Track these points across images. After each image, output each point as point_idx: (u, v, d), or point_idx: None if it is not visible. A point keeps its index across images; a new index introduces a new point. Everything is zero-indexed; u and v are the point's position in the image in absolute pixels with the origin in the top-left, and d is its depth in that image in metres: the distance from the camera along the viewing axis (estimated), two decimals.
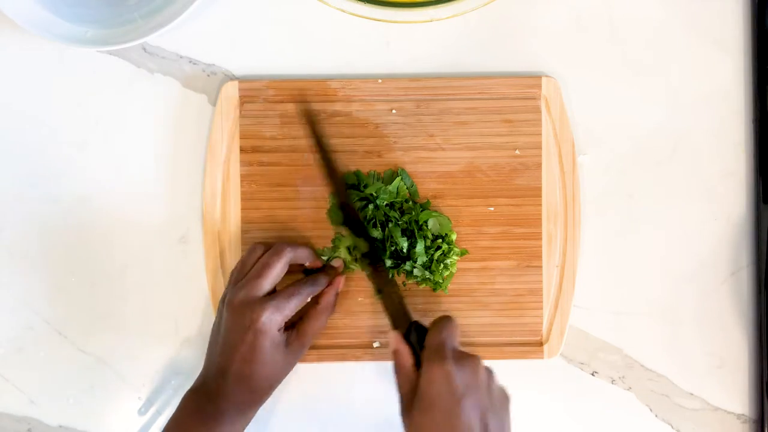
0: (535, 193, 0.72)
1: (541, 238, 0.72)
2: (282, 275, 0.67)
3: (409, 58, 0.73)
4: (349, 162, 0.72)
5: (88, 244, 0.73)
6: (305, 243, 0.71)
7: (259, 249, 0.68)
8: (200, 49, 0.73)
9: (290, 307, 0.65)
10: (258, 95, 0.72)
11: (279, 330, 0.65)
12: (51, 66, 0.73)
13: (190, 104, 0.73)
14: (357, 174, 0.72)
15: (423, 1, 0.70)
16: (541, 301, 0.72)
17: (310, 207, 0.72)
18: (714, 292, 0.74)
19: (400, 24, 0.70)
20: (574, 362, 0.73)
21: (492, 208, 0.72)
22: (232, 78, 0.73)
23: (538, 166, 0.72)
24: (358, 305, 0.72)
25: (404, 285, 0.72)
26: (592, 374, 0.73)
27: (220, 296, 0.68)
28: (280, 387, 0.67)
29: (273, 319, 0.64)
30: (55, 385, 0.73)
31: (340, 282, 0.70)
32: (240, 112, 0.72)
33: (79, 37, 0.71)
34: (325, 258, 0.71)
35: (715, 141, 0.74)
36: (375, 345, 0.72)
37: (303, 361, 0.71)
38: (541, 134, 0.72)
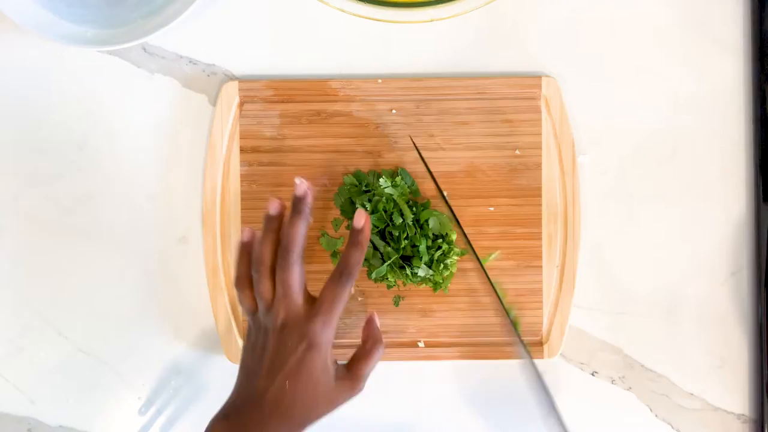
0: (535, 193, 0.72)
1: (541, 238, 0.72)
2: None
3: (409, 58, 0.73)
4: (349, 162, 0.72)
5: (87, 244, 0.73)
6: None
7: (269, 240, 0.63)
8: (200, 49, 0.73)
9: (336, 315, 0.61)
10: (258, 95, 0.72)
11: (330, 345, 0.61)
12: (51, 66, 0.73)
13: (190, 104, 0.73)
14: (357, 174, 0.72)
15: (423, 1, 0.70)
16: (541, 301, 0.72)
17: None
18: (714, 292, 0.74)
19: (400, 24, 0.70)
20: (574, 362, 0.73)
21: (492, 208, 0.72)
22: (232, 78, 0.73)
23: (538, 166, 0.72)
24: (359, 305, 0.72)
25: (404, 285, 0.72)
26: (592, 374, 0.73)
27: (239, 301, 0.64)
28: None
29: (324, 333, 0.60)
30: (55, 385, 0.73)
31: (375, 316, 0.65)
32: (240, 112, 0.72)
33: (79, 37, 0.71)
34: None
35: (715, 141, 0.74)
36: None
37: None
38: (541, 134, 0.72)
